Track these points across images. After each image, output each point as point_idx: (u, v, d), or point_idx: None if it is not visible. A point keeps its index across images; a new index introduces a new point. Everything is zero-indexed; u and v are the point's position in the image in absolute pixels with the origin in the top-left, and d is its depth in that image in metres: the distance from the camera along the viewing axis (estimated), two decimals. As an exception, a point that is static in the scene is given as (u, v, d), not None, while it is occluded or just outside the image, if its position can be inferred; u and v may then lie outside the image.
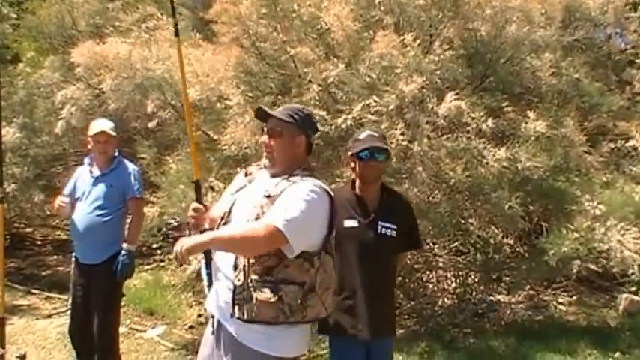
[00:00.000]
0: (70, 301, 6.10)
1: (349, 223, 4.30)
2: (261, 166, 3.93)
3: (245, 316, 3.52)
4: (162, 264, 9.32)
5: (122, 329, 7.29)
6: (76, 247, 5.84)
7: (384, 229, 4.33)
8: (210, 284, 3.87)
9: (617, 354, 6.92)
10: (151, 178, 8.48)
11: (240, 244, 3.51)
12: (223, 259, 3.69)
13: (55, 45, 11.76)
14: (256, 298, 3.48)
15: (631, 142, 8.26)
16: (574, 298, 8.74)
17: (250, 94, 7.88)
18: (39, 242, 12.31)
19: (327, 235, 3.68)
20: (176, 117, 8.46)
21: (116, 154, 5.92)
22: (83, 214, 5.72)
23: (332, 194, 3.71)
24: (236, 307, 3.55)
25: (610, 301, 8.64)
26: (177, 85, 7.83)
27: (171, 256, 7.75)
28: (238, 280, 3.54)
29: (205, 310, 4.13)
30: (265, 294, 3.48)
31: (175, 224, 4.10)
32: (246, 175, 3.99)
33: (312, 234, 3.61)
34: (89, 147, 5.92)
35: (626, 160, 8.54)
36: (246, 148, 7.25)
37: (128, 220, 5.95)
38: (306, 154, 3.90)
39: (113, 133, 5.82)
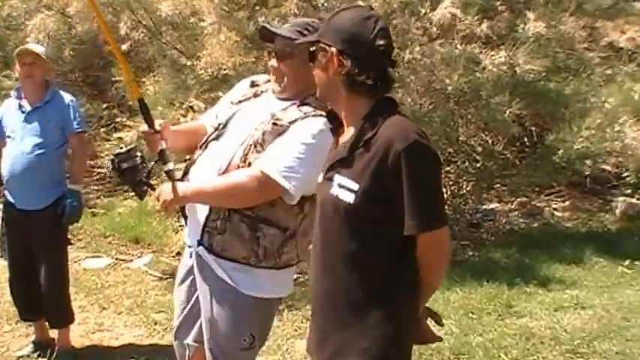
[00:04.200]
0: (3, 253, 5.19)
1: (318, 178, 2.63)
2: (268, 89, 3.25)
3: (213, 247, 3.07)
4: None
5: (108, 261, 6.88)
6: (9, 192, 4.90)
7: (337, 188, 2.35)
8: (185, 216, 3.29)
9: (626, 262, 6.43)
10: (128, 102, 7.90)
11: (230, 197, 3.01)
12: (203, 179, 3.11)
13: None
14: (229, 232, 3.03)
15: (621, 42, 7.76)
16: (567, 203, 8.27)
17: (226, 8, 7.09)
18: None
19: None
20: (149, 37, 7.73)
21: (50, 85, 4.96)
22: (18, 155, 4.76)
23: None
24: (206, 235, 3.06)
25: (604, 205, 8.19)
26: (147, 3, 7.07)
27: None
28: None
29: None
30: (241, 230, 3.02)
31: (122, 151, 3.30)
32: (252, 85, 3.35)
33: (313, 181, 2.91)
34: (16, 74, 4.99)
35: (616, 59, 8.05)
36: (224, 69, 6.55)
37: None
38: None
39: (42, 55, 4.87)
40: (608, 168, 6.61)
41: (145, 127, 3.27)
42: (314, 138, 2.97)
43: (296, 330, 5.26)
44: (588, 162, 6.24)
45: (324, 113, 2.99)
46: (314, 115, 3.03)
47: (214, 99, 6.57)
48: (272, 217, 3.03)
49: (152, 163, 3.34)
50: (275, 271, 3.11)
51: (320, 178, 2.51)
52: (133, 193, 3.43)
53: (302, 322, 5.33)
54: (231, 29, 6.72)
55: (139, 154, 3.33)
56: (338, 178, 2.34)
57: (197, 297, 3.22)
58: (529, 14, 6.54)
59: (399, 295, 2.34)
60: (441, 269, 2.44)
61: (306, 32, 3.06)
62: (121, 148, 3.50)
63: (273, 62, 3.15)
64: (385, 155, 2.23)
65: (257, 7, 7.00)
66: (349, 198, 2.28)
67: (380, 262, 2.34)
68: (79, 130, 4.90)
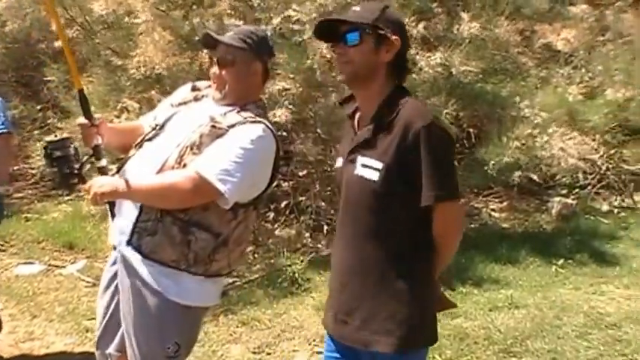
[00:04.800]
0: None
1: (337, 163, 2.82)
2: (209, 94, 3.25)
3: (142, 249, 3.00)
4: (80, 194, 8.39)
5: (41, 267, 6.70)
6: None
7: (361, 169, 2.56)
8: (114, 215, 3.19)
9: (560, 261, 6.51)
10: (61, 103, 7.72)
11: (163, 197, 2.96)
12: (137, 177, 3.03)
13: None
14: (160, 234, 2.97)
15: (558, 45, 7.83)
16: (505, 204, 8.29)
17: (162, 8, 7.00)
18: None
19: (264, 190, 3.13)
20: (83, 35, 7.59)
21: None
22: None
23: (278, 141, 3.11)
24: (135, 236, 2.98)
25: (541, 205, 8.20)
26: (81, 0, 6.93)
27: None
28: (147, 207, 2.97)
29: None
30: (172, 232, 2.97)
31: (56, 139, 3.22)
32: (193, 89, 3.34)
33: (250, 188, 3.04)
34: None
35: (552, 62, 8.14)
36: (158, 69, 6.48)
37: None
38: (262, 83, 3.29)
39: None
40: (535, 178, 6.71)
41: (82, 119, 3.21)
42: (253, 143, 2.97)
43: (231, 335, 5.19)
44: (517, 173, 6.31)
45: (263, 120, 3.06)
46: (253, 121, 3.05)
47: (148, 100, 6.49)
48: (205, 222, 2.98)
49: (85, 157, 3.27)
50: (204, 278, 3.06)
51: (339, 163, 2.72)
52: (59, 185, 3.31)
53: (238, 327, 5.29)
54: (166, 28, 6.65)
55: (73, 145, 3.26)
56: (361, 159, 2.55)
57: (119, 304, 3.14)
58: (464, 16, 6.54)
59: (421, 263, 2.58)
60: (455, 241, 2.64)
61: (249, 40, 3.13)
62: (56, 136, 3.43)
63: (215, 69, 3.16)
64: (405, 134, 2.45)
65: (193, 7, 6.91)
66: (374, 176, 2.50)
67: (403, 233, 2.55)
68: (4, 130, 4.76)
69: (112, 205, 3.13)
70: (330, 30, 2.65)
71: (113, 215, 3.15)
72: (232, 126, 3.00)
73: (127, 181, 2.96)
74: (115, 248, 3.17)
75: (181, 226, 2.96)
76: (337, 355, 2.76)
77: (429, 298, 2.64)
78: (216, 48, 3.18)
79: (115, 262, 3.19)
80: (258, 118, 3.05)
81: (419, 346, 2.63)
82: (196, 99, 3.29)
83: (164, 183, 2.93)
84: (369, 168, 2.52)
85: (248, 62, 3.15)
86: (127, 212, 3.04)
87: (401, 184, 2.50)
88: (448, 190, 2.51)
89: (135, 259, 3.01)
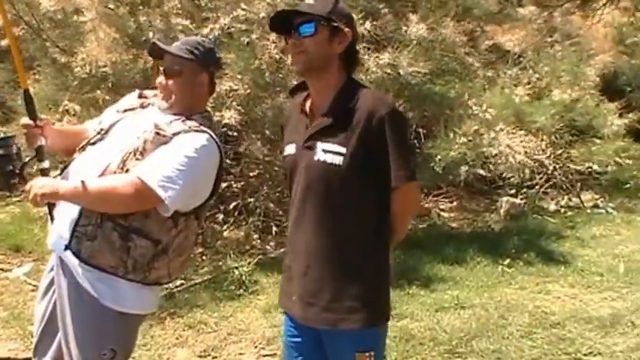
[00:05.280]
0: None
1: (287, 150, 2.82)
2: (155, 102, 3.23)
3: (81, 254, 2.95)
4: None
5: None
6: None
7: (323, 154, 2.61)
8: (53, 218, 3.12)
9: (507, 260, 6.55)
10: (7, 103, 7.56)
11: (104, 201, 2.92)
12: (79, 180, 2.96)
13: None
14: (100, 239, 2.93)
15: (506, 46, 7.91)
16: (455, 204, 8.40)
17: (110, 7, 6.92)
18: None
19: (206, 200, 3.12)
20: (31, 33, 7.44)
21: None
22: None
23: (222, 152, 3.12)
24: (74, 240, 2.94)
25: (490, 205, 8.33)
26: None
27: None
28: (88, 211, 2.93)
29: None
30: (112, 238, 2.93)
31: None
32: (140, 96, 3.33)
33: (191, 197, 3.02)
34: None
35: (500, 63, 8.20)
36: (103, 66, 6.39)
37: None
38: (208, 94, 3.29)
39: None
40: (484, 173, 6.74)
41: (26, 119, 3.16)
42: (196, 152, 2.97)
43: (177, 338, 5.14)
44: (464, 168, 6.30)
45: (208, 130, 3.05)
46: (197, 131, 3.03)
47: (92, 101, 6.42)
48: (145, 229, 2.96)
49: (28, 158, 3.26)
50: (142, 286, 3.03)
51: (292, 149, 2.77)
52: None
53: (184, 330, 5.24)
54: (112, 26, 6.59)
55: (16, 144, 3.21)
56: (322, 145, 2.62)
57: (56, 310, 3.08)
58: (412, 17, 6.56)
59: (381, 243, 2.71)
60: (410, 219, 2.97)
61: (196, 51, 3.13)
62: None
63: (162, 79, 3.14)
64: (369, 119, 2.55)
65: (140, 7, 6.84)
66: (338, 160, 2.58)
67: (366, 214, 2.66)
68: None
69: (51, 207, 3.07)
70: (283, 23, 2.70)
71: (52, 218, 3.09)
72: (176, 134, 2.99)
73: (68, 183, 2.93)
74: (52, 250, 3.13)
75: (121, 232, 2.93)
76: (299, 340, 2.83)
77: (388, 275, 2.78)
78: (162, 58, 3.18)
79: (52, 269, 3.14)
80: (202, 128, 3.05)
81: (381, 322, 2.75)
82: (143, 106, 3.27)
83: (105, 187, 2.90)
84: (331, 153, 2.59)
85: (195, 73, 3.15)
86: (67, 216, 2.99)
87: (365, 167, 2.59)
88: (413, 171, 2.65)
89: (73, 263, 2.97)
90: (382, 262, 2.74)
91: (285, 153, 2.85)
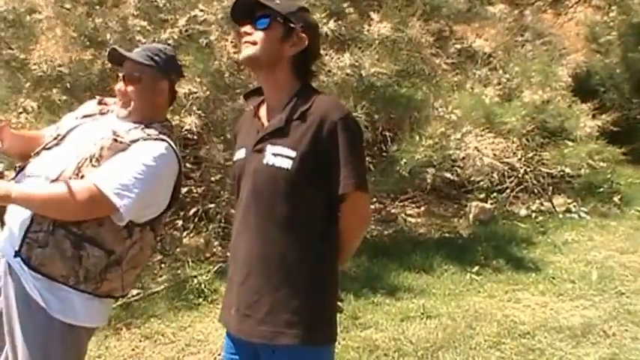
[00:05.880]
0: None
1: (237, 154, 2.81)
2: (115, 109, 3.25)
3: (31, 261, 2.93)
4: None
5: None
6: None
7: (272, 157, 2.59)
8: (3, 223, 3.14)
9: (475, 268, 6.60)
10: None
11: (57, 207, 2.90)
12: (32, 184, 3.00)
13: None
14: (51, 247, 2.91)
15: (477, 43, 7.95)
16: (422, 209, 8.44)
17: (67, 7, 6.93)
18: None
19: (164, 211, 3.13)
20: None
21: None
22: None
23: (181, 162, 3.14)
24: (25, 247, 2.93)
25: (459, 210, 8.41)
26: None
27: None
28: (40, 217, 2.92)
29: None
30: (64, 246, 2.92)
31: None
32: (99, 103, 3.35)
33: (147, 207, 3.03)
34: None
35: (469, 63, 8.25)
36: (59, 66, 6.38)
37: None
38: (169, 103, 3.32)
39: None
40: (451, 177, 6.78)
41: None
42: (154, 160, 2.99)
43: (134, 350, 5.14)
44: (430, 171, 6.34)
45: (167, 139, 3.08)
46: (156, 139, 3.06)
47: (48, 100, 6.41)
48: (98, 238, 2.96)
49: None
50: (92, 297, 3.02)
51: (242, 154, 2.75)
52: None
53: (140, 341, 5.24)
54: (68, 25, 6.59)
55: None
56: (271, 149, 2.60)
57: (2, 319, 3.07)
58: (373, 16, 6.58)
59: (327, 255, 2.65)
60: (362, 231, 2.80)
61: (156, 58, 3.17)
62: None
63: (121, 86, 3.17)
64: (321, 124, 2.55)
65: (96, 7, 6.84)
66: (286, 164, 2.56)
67: (313, 223, 2.62)
68: None
69: (2, 211, 3.09)
70: (245, 14, 2.71)
71: (3, 223, 3.10)
72: (135, 141, 3.01)
73: (20, 187, 2.93)
74: (2, 258, 3.11)
75: (74, 241, 2.92)
76: (236, 357, 2.75)
77: (334, 293, 2.70)
78: (122, 64, 3.20)
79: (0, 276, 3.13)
80: (161, 136, 3.08)
81: (322, 342, 2.66)
82: (102, 113, 3.29)
83: (59, 192, 2.88)
84: (280, 156, 2.58)
85: (155, 80, 3.18)
86: (18, 221, 2.99)
87: (314, 173, 2.57)
88: (364, 180, 2.63)
89: (22, 271, 2.96)
90: (328, 275, 2.67)
91: (235, 158, 2.83)
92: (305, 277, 2.61)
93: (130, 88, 3.15)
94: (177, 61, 3.37)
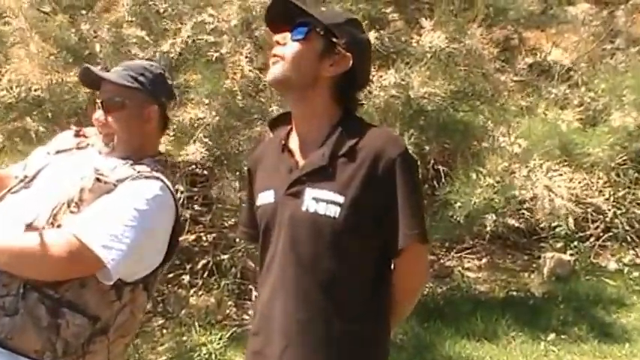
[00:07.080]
0: None
1: (262, 198, 2.80)
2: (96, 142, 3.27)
3: None
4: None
5: None
6: None
7: (313, 203, 2.61)
8: None
9: (551, 335, 6.64)
10: None
11: (29, 264, 2.87)
12: None
13: None
14: (23, 315, 2.85)
15: (554, 53, 7.95)
16: (484, 261, 8.47)
17: (46, 10, 7.14)
18: None
19: (160, 265, 3.14)
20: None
21: None
22: None
23: (178, 205, 3.16)
24: None
25: (531, 262, 8.42)
26: None
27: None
28: (8, 277, 2.88)
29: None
30: (38, 312, 2.87)
31: None
32: (77, 135, 3.37)
33: (139, 262, 3.03)
34: None
35: (543, 79, 8.22)
36: (36, 89, 6.49)
37: None
38: (160, 131, 3.35)
39: None
40: (516, 224, 6.74)
41: None
42: (148, 204, 2.99)
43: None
44: (491, 217, 6.36)
45: (161, 176, 3.09)
46: (148, 177, 3.07)
47: (21, 132, 6.56)
48: (80, 302, 2.93)
49: None
50: None
51: (269, 197, 2.73)
52: None
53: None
54: (46, 38, 6.68)
55: None
56: (311, 192, 2.60)
57: None
58: (424, 23, 6.60)
59: (379, 322, 2.69)
60: (419, 290, 2.87)
61: (142, 78, 3.18)
62: None
63: (100, 115, 3.18)
64: (375, 163, 2.56)
65: (82, 12, 7.00)
66: (333, 212, 2.56)
67: (364, 284, 2.64)
68: None
69: None
70: (284, 17, 2.72)
71: None
72: (121, 180, 3.02)
73: None
74: None
75: (50, 306, 2.88)
76: None
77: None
78: (100, 87, 3.23)
79: None
80: (154, 173, 3.09)
81: None
82: (79, 147, 3.30)
83: (31, 246, 2.84)
84: (325, 202, 2.57)
85: (141, 105, 3.21)
86: None
87: (368, 223, 2.59)
88: (425, 231, 2.63)
89: None
90: (379, 346, 2.70)
91: (259, 202, 2.79)
92: (353, 346, 2.64)
93: (112, 118, 3.16)
94: (167, 79, 3.38)
